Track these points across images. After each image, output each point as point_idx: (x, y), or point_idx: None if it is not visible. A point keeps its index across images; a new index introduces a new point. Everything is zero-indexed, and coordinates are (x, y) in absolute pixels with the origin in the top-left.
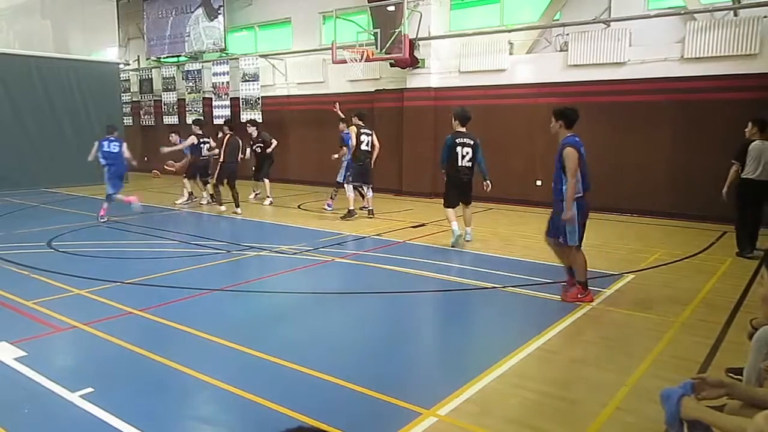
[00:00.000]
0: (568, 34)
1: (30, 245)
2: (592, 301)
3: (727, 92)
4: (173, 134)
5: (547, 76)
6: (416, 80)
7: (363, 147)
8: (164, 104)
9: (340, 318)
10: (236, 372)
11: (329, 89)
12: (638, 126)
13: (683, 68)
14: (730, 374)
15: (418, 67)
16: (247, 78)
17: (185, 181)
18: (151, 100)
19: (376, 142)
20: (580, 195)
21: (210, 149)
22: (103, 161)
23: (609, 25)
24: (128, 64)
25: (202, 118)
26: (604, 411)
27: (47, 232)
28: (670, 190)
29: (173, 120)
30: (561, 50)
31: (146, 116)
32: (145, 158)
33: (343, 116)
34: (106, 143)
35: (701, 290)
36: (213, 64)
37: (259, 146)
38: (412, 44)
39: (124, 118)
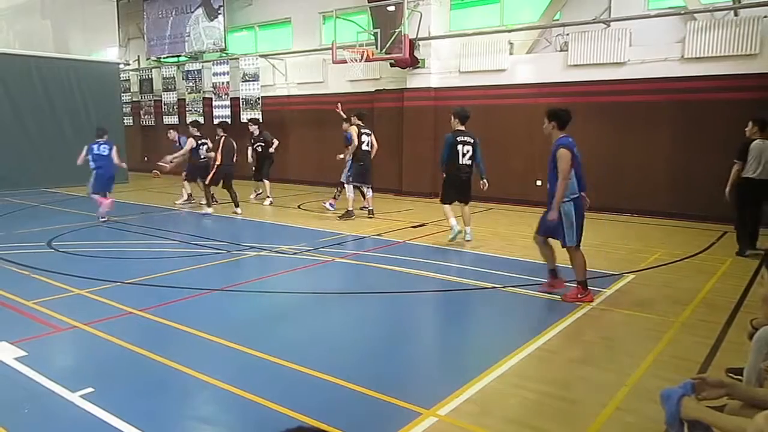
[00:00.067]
0: (568, 34)
1: (30, 245)
2: (592, 301)
3: (727, 92)
4: (171, 131)
5: (547, 76)
6: (416, 80)
7: (364, 147)
8: (164, 104)
9: (340, 318)
10: (236, 372)
11: (329, 89)
12: (638, 126)
13: (683, 68)
14: (730, 374)
15: (418, 67)
16: (247, 78)
17: (185, 183)
18: (151, 100)
19: (374, 143)
20: (576, 195)
21: (208, 150)
22: (92, 164)
23: (609, 25)
24: (128, 64)
25: (199, 119)
26: (604, 411)
27: (47, 232)
28: (670, 190)
29: (173, 120)
30: (561, 50)
31: (146, 116)
32: (145, 158)
33: (345, 116)
34: (95, 146)
35: (701, 290)
36: (213, 64)
37: (260, 145)
38: (412, 44)
39: (124, 118)
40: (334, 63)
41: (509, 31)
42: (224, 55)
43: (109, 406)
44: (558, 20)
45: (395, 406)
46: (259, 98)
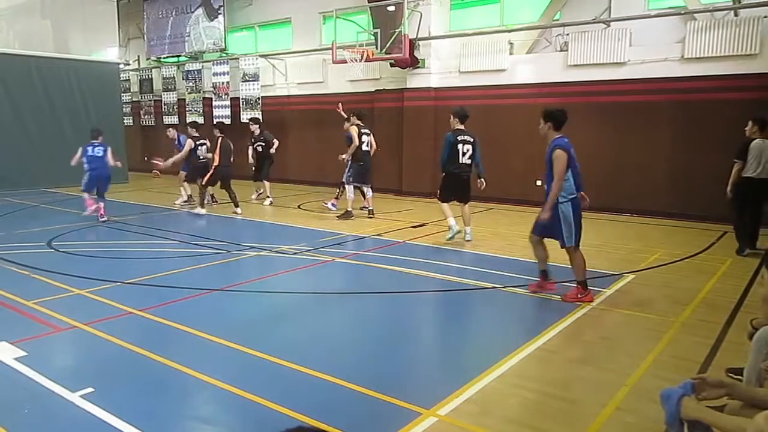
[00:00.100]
0: (568, 34)
1: (30, 245)
2: (592, 300)
3: (727, 92)
4: (171, 129)
5: (547, 76)
6: (416, 80)
7: (363, 147)
8: (164, 104)
9: (340, 318)
10: (236, 372)
11: (329, 89)
12: (638, 126)
13: (683, 68)
14: (731, 374)
15: (418, 67)
16: (247, 78)
17: (185, 184)
18: (151, 100)
19: (373, 143)
20: (573, 195)
21: (207, 151)
22: (86, 166)
23: (609, 25)
24: (128, 64)
25: (199, 119)
26: (604, 411)
27: (47, 232)
28: (670, 190)
29: (173, 120)
30: (561, 50)
31: (146, 116)
32: (145, 158)
33: (346, 116)
34: (90, 148)
35: (701, 290)
36: (213, 64)
37: (261, 145)
38: (412, 44)
39: (124, 118)
40: (334, 63)
41: (509, 31)
42: (224, 55)
43: (109, 406)
44: (558, 20)
45: (395, 406)
46: (259, 98)
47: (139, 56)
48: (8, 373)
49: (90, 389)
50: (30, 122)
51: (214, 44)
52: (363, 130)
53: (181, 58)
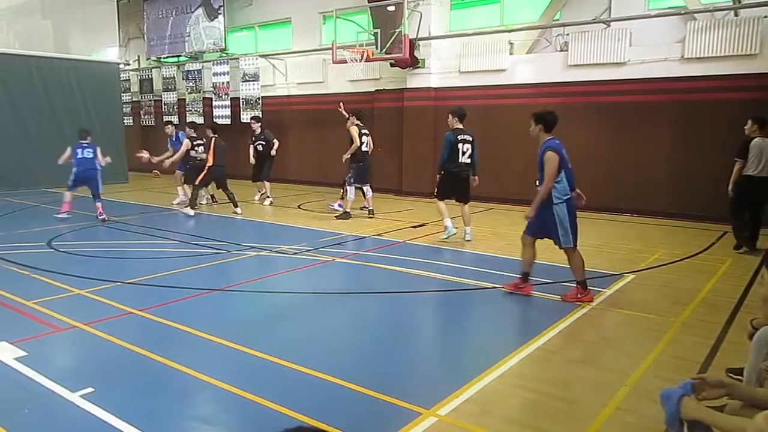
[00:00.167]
0: (568, 34)
1: (30, 245)
2: (591, 300)
3: (727, 92)
4: (169, 126)
5: (547, 76)
6: (416, 80)
7: (363, 147)
8: (164, 104)
9: (340, 318)
10: (236, 372)
11: (329, 89)
12: (638, 126)
13: (683, 68)
14: (731, 374)
15: (418, 67)
16: (248, 78)
17: (184, 185)
18: (151, 100)
19: (371, 143)
20: (568, 196)
21: (202, 151)
22: (75, 168)
23: (609, 25)
24: (128, 64)
25: (199, 119)
26: (604, 411)
27: (47, 232)
28: (670, 190)
29: (173, 120)
30: (561, 50)
31: (146, 116)
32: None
33: (347, 115)
34: (80, 150)
35: (701, 290)
36: (213, 64)
37: (261, 143)
38: (412, 44)
39: (125, 118)
40: (334, 63)
41: (509, 31)
42: (224, 55)
43: (109, 406)
44: (558, 20)
45: (395, 406)
46: (259, 98)
47: (139, 56)
48: (8, 373)
49: (90, 389)
50: (30, 122)
51: (214, 44)
52: (363, 131)
53: (181, 58)
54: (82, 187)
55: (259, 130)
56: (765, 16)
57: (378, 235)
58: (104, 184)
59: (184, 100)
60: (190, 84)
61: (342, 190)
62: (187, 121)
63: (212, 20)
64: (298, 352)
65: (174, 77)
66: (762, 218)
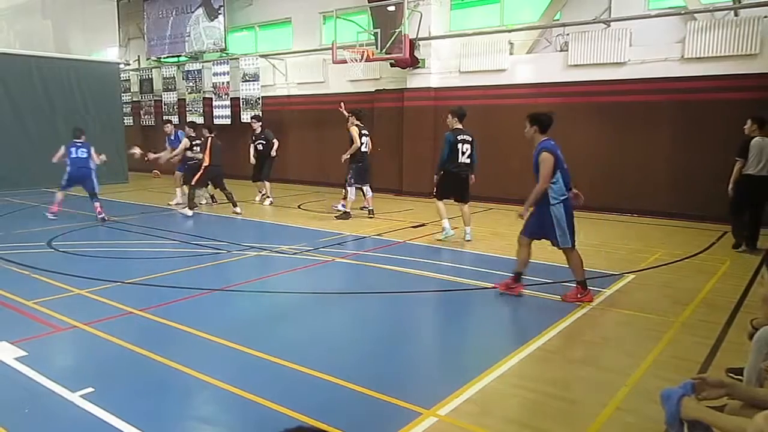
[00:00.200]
0: (568, 34)
1: (30, 245)
2: (591, 300)
3: (727, 92)
4: (168, 124)
5: (547, 76)
6: (416, 80)
7: (363, 148)
8: (164, 104)
9: (340, 318)
10: (236, 372)
11: (329, 89)
12: (638, 126)
13: (683, 68)
14: (731, 374)
15: (419, 67)
16: (248, 78)
17: (183, 186)
18: (151, 100)
19: (370, 143)
20: (565, 197)
21: (198, 151)
22: (69, 167)
23: (609, 25)
24: (128, 64)
25: (199, 119)
26: (604, 411)
27: (47, 232)
28: (670, 190)
29: (173, 120)
30: (561, 50)
31: (146, 116)
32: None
33: (348, 115)
34: (74, 149)
35: (701, 290)
36: (213, 64)
37: (261, 143)
38: (413, 44)
39: (125, 118)
40: (334, 63)
41: (509, 31)
42: (224, 55)
43: (109, 406)
44: (558, 20)
45: (395, 406)
46: (259, 98)
47: (139, 56)
48: (8, 373)
49: (90, 389)
50: (30, 122)
51: (214, 44)
52: (362, 131)
53: (182, 58)
54: (76, 187)
55: (259, 130)
56: (765, 16)
57: (378, 235)
58: (104, 184)
59: (184, 100)
60: (190, 84)
61: (344, 191)
62: (187, 120)
63: (212, 20)
64: (298, 352)
65: (174, 77)
66: (762, 218)
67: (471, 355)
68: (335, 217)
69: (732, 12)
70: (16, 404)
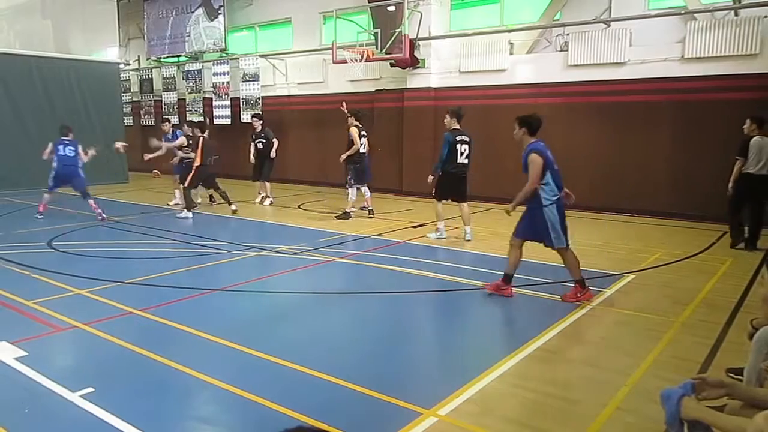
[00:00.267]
0: (568, 34)
1: (30, 245)
2: (591, 298)
3: (727, 92)
4: (166, 123)
5: (547, 76)
6: (416, 80)
7: (361, 149)
8: (164, 104)
9: (340, 318)
10: (236, 372)
11: (329, 89)
12: (638, 126)
13: (683, 68)
14: (731, 374)
15: (419, 67)
16: (248, 78)
17: (182, 187)
18: (151, 100)
19: (367, 144)
20: (557, 197)
21: (189, 151)
22: (55, 164)
23: (609, 25)
24: (128, 64)
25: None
26: (604, 411)
27: (47, 232)
28: (671, 190)
29: (173, 120)
30: (561, 50)
31: (146, 116)
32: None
33: (349, 115)
34: (61, 147)
35: (701, 290)
36: (213, 64)
37: (261, 141)
38: (413, 44)
39: (125, 118)
40: (334, 63)
41: (509, 31)
42: (224, 55)
43: (109, 406)
44: (558, 20)
45: (395, 406)
46: (259, 98)
47: (139, 56)
48: (8, 373)
49: (90, 389)
50: (30, 122)
51: (214, 44)
52: (362, 132)
53: (182, 58)
54: (65, 186)
55: (259, 128)
56: (765, 16)
57: (378, 235)
58: (104, 184)
59: (184, 100)
60: (190, 84)
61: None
62: (187, 120)
63: (212, 20)
64: (298, 352)
65: (174, 77)
66: (763, 217)
67: (471, 355)
68: (335, 217)
69: (732, 12)
70: (16, 404)
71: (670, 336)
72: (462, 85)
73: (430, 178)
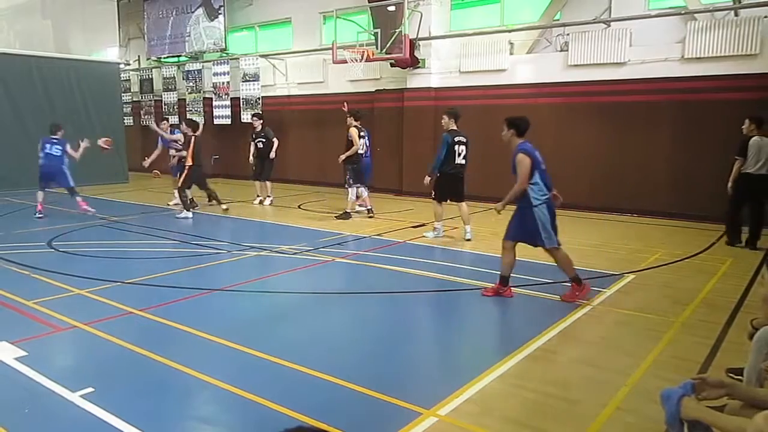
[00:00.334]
0: (568, 34)
1: (30, 245)
2: (589, 291)
3: (727, 92)
4: (164, 122)
5: (547, 76)
6: (416, 80)
7: (360, 150)
8: (164, 104)
9: (340, 318)
10: (236, 372)
11: (329, 89)
12: (638, 126)
13: (683, 68)
14: (731, 374)
15: (419, 67)
16: (248, 78)
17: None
18: (151, 100)
19: (366, 145)
20: (547, 196)
21: (179, 150)
22: (41, 161)
23: (609, 25)
24: (129, 64)
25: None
26: (604, 411)
27: (47, 232)
28: (671, 190)
29: (174, 120)
30: (561, 50)
31: (147, 116)
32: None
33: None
34: (48, 145)
35: (701, 290)
36: (213, 64)
37: (262, 141)
38: (413, 44)
39: (125, 118)
40: (334, 63)
41: (509, 31)
42: (224, 55)
43: (109, 406)
44: (558, 20)
45: (395, 406)
46: (259, 98)
47: (139, 56)
48: (8, 373)
49: (90, 389)
50: (30, 122)
51: (214, 44)
52: (361, 132)
53: (182, 58)
54: (51, 184)
55: (259, 128)
56: (765, 16)
57: (378, 235)
58: (104, 184)
59: (185, 100)
60: (191, 84)
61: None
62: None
63: (212, 20)
64: (298, 352)
65: (174, 77)
66: (763, 217)
67: (471, 355)
68: (336, 217)
69: (732, 12)
70: (16, 404)
71: (670, 336)
72: (462, 85)
73: (427, 179)
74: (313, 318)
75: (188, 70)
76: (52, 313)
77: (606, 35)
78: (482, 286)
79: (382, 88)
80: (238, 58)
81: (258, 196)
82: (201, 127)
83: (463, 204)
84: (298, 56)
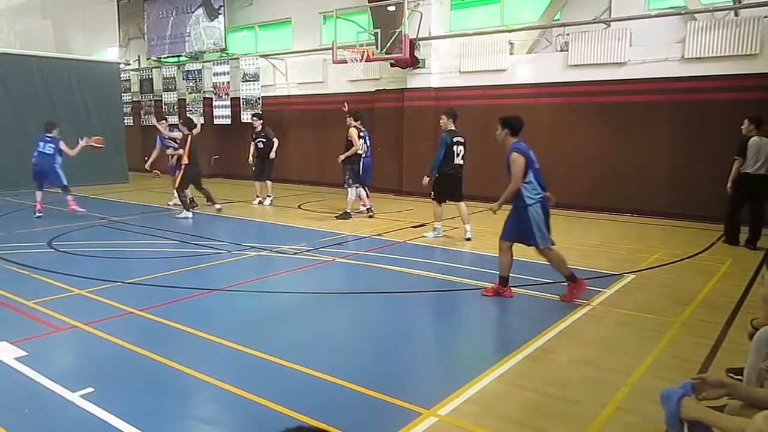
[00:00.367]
0: (568, 34)
1: (30, 245)
2: (585, 286)
3: (727, 92)
4: (163, 121)
5: (547, 76)
6: (416, 80)
7: (360, 151)
8: (165, 104)
9: (340, 318)
10: (236, 372)
11: (329, 89)
12: (638, 126)
13: (683, 68)
14: (731, 374)
15: (419, 67)
16: (248, 78)
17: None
18: (151, 100)
19: (365, 145)
20: (540, 196)
21: (176, 149)
22: (34, 159)
23: (609, 25)
24: (129, 64)
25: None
26: (604, 411)
27: (47, 232)
28: (671, 190)
29: (174, 120)
30: (561, 50)
31: (147, 116)
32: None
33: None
34: (41, 143)
35: (702, 290)
36: (213, 64)
37: (262, 141)
38: (413, 44)
39: (125, 118)
40: (334, 63)
41: (509, 31)
42: (224, 55)
43: (109, 406)
44: (558, 20)
45: (395, 406)
46: (259, 98)
47: (139, 56)
48: (8, 373)
49: (90, 389)
50: (30, 122)
51: (214, 44)
52: (361, 133)
53: (182, 58)
54: (44, 183)
55: (260, 128)
56: (765, 16)
57: (378, 235)
58: (104, 184)
59: (185, 100)
60: (191, 84)
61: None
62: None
63: (212, 20)
64: (298, 352)
65: (174, 77)
66: (763, 217)
67: (471, 355)
68: (336, 217)
69: (732, 12)
70: (16, 404)
71: (670, 336)
72: (462, 85)
73: (426, 179)
74: (313, 318)
75: (188, 70)
76: (52, 313)
77: (606, 35)
78: (482, 286)
79: (382, 88)
80: (238, 58)
81: (258, 196)
82: (199, 126)
83: (462, 204)
84: (298, 56)
